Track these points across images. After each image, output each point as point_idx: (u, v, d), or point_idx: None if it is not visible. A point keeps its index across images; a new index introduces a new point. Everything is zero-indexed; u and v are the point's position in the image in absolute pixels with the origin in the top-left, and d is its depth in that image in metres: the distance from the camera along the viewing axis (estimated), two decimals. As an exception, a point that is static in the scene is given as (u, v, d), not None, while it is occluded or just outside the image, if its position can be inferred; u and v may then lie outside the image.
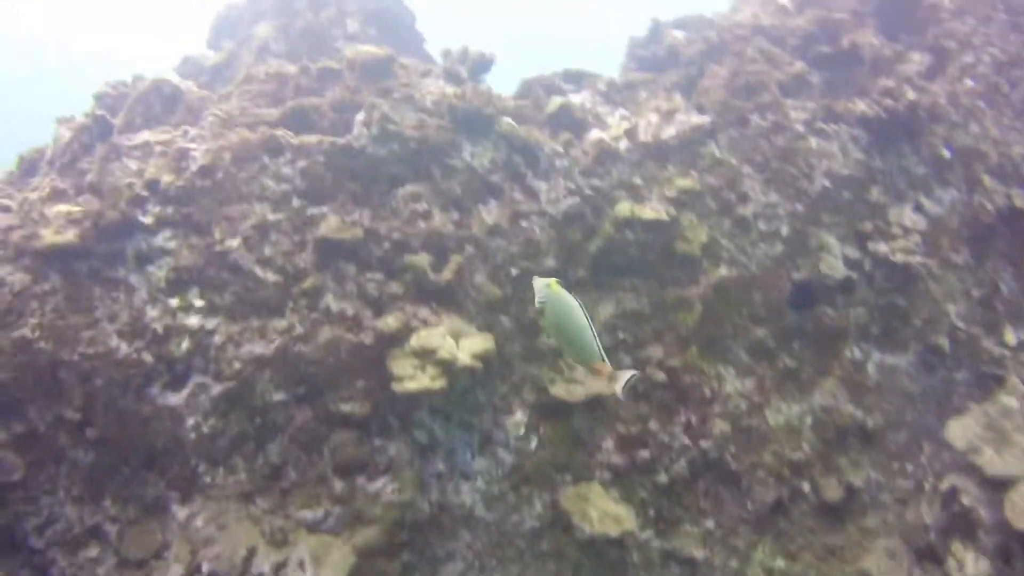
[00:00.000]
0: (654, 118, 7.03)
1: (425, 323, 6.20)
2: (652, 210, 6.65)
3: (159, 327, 6.13)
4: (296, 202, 6.37)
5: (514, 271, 6.51)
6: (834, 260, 6.97)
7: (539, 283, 3.24)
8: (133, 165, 6.45)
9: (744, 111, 7.19)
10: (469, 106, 6.54)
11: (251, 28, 9.62)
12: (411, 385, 5.92)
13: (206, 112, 6.72)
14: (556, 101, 7.08)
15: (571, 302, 3.23)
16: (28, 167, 7.31)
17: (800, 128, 7.22)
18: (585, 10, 42.60)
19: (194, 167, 6.36)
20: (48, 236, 6.12)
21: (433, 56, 9.53)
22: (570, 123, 7.09)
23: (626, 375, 3.25)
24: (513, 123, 6.65)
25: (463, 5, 41.34)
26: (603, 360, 3.20)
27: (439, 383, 5.91)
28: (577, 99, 7.32)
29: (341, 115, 7.02)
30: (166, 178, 6.34)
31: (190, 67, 9.67)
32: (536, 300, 3.24)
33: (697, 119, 7.05)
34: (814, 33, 7.79)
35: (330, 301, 6.22)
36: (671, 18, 9.33)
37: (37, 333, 6.07)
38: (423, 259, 6.25)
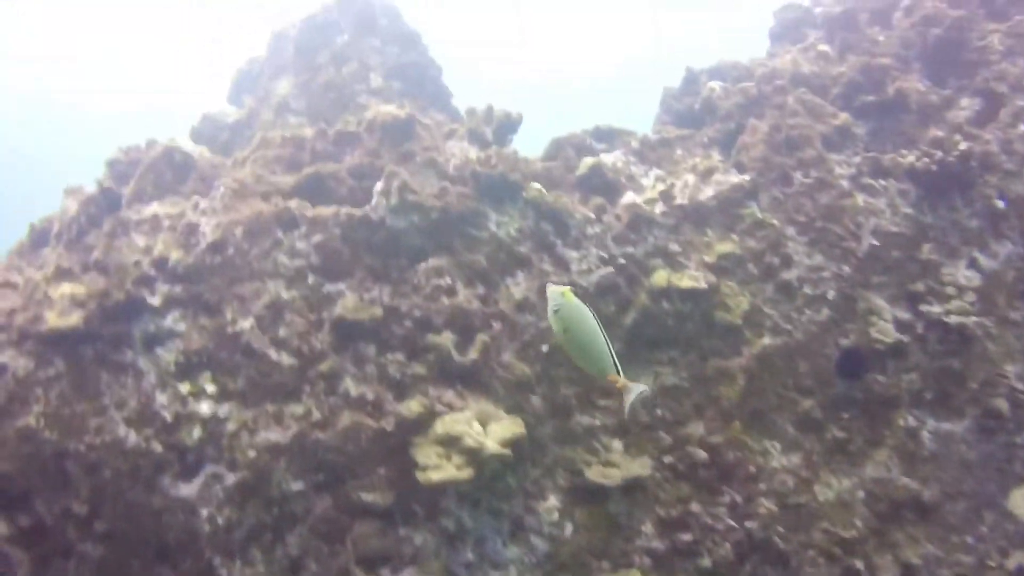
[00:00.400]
0: (691, 179, 6.62)
1: (450, 407, 5.80)
2: (690, 278, 6.23)
3: (169, 415, 5.80)
4: (311, 279, 6.03)
5: (544, 348, 6.09)
6: (884, 324, 6.51)
7: (553, 291, 3.21)
8: (141, 241, 6.15)
9: (786, 168, 6.76)
10: (494, 172, 6.18)
11: (272, 83, 9.34)
12: (436, 475, 5.54)
13: (218, 182, 6.40)
14: (587, 162, 6.70)
15: (584, 311, 3.25)
16: (38, 237, 7.04)
17: (845, 184, 6.78)
18: (618, 56, 41.67)
19: (204, 243, 6.04)
20: (51, 319, 5.83)
21: (460, 111, 9.18)
22: (602, 185, 6.70)
23: (638, 388, 3.33)
24: (541, 189, 6.27)
25: (489, 57, 40.92)
26: (617, 371, 3.19)
27: (465, 473, 5.52)
28: (609, 159, 6.93)
29: (360, 182, 6.69)
30: (175, 255, 6.03)
31: (209, 125, 9.40)
32: (550, 308, 3.20)
33: (736, 178, 6.63)
34: (858, 81, 7.35)
35: (349, 385, 5.85)
36: (706, 65, 8.93)
37: (42, 422, 5.78)
38: (447, 338, 5.87)
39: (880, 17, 8.49)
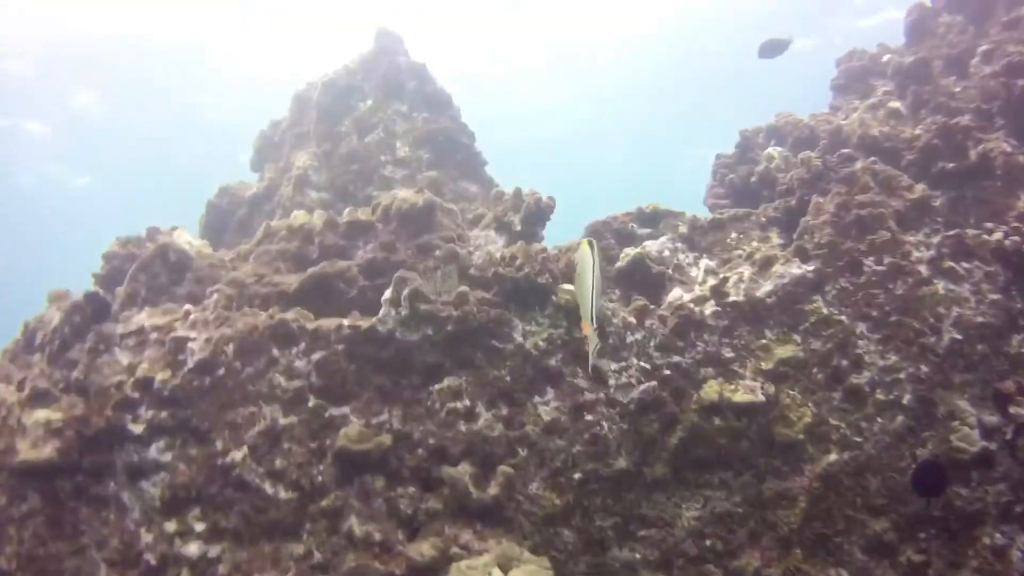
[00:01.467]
0: (747, 271, 5.77)
1: (467, 549, 5.03)
2: (745, 390, 5.39)
3: (154, 556, 5.13)
4: (312, 402, 5.32)
5: (577, 475, 5.29)
6: (968, 430, 5.59)
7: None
8: (125, 359, 5.52)
9: (856, 255, 5.87)
10: (520, 275, 5.40)
11: (293, 152, 8.73)
12: (450, 635, 4.78)
13: (211, 289, 5.75)
14: (628, 254, 5.91)
15: (587, 263, 4.11)
16: (32, 336, 6.46)
17: (924, 270, 5.86)
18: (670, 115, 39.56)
19: (192, 362, 5.37)
20: (24, 451, 5.22)
21: (495, 180, 8.46)
22: (645, 280, 5.90)
23: (595, 344, 4.03)
24: (574, 290, 5.48)
25: (527, 121, 39.53)
26: (591, 321, 3.97)
27: (483, 632, 4.74)
28: (654, 247, 6.12)
29: (373, 280, 5.99)
30: (160, 376, 5.37)
31: (227, 199, 8.83)
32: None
33: (798, 269, 5.76)
34: (935, 146, 6.43)
35: (354, 523, 5.11)
36: (761, 121, 8.08)
37: (14, 564, 5.16)
38: (464, 471, 5.11)
39: (956, 65, 7.57)
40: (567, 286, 5.53)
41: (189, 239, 6.36)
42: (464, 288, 5.41)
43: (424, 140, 8.25)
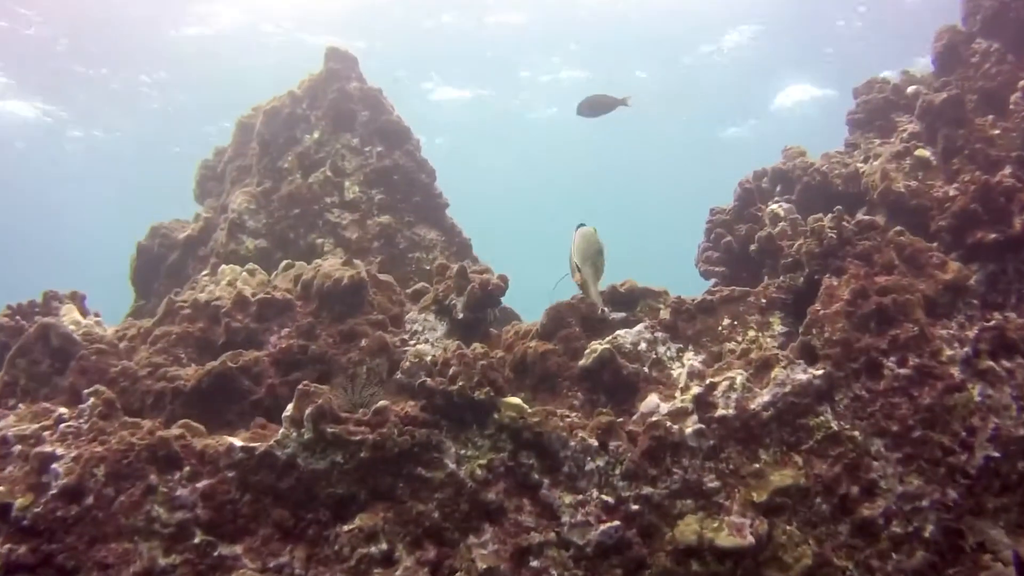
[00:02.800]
0: (739, 376, 4.70)
1: None
2: (731, 529, 4.34)
3: None
4: (199, 538, 4.31)
5: None
6: (1001, 567, 4.55)
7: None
8: (-23, 479, 4.51)
9: (875, 354, 4.79)
10: (453, 388, 4.36)
11: (234, 188, 7.70)
12: None
13: (89, 391, 4.74)
14: (595, 351, 4.85)
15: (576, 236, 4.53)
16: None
17: (956, 373, 4.79)
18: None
19: (57, 486, 4.36)
20: None
21: (456, 225, 7.40)
22: (615, 383, 4.86)
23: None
24: (521, 406, 4.45)
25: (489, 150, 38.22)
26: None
27: None
28: (628, 337, 5.06)
29: (287, 375, 4.97)
30: (20, 501, 4.37)
31: (158, 240, 7.82)
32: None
33: (803, 375, 4.69)
34: (974, 212, 5.34)
35: None
36: (768, 161, 6.98)
37: None
38: (377, 637, 4.09)
39: (993, 102, 6.46)
40: (513, 400, 4.48)
41: (77, 317, 5.35)
42: (383, 403, 4.36)
43: (377, 179, 7.21)
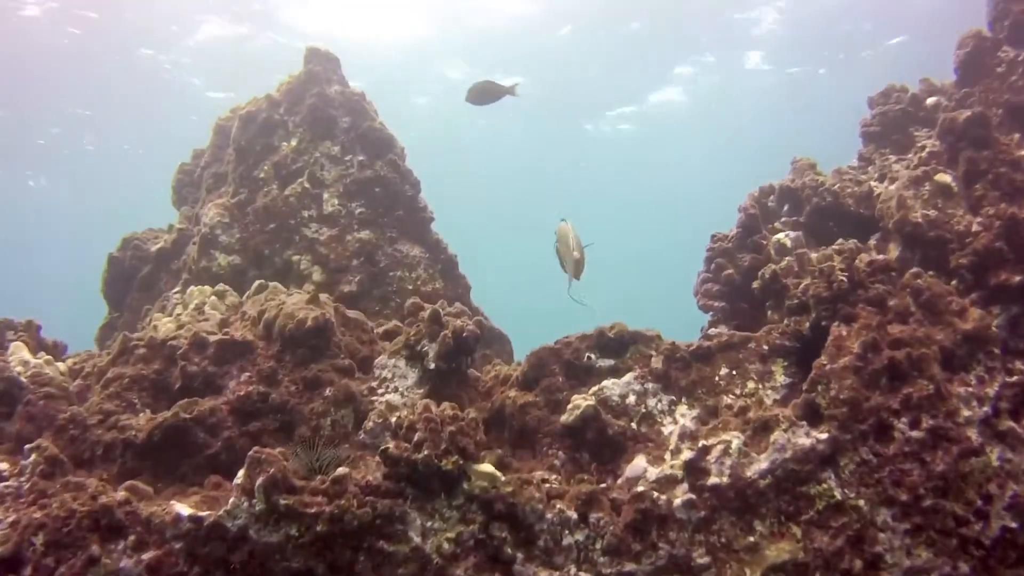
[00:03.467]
0: (735, 440, 4.30)
1: None
2: (725, 612, 3.95)
3: None
4: (141, 616, 3.94)
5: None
6: (1018, 643, 4.19)
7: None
8: (-96, 547, 4.15)
9: (885, 415, 4.37)
10: (418, 457, 3.96)
11: (208, 197, 7.28)
12: None
13: (31, 446, 4.36)
14: (578, 407, 4.44)
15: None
16: None
17: (973, 435, 4.37)
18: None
19: (-10, 556, 4.00)
20: None
21: (442, 241, 6.96)
22: (600, 442, 4.46)
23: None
24: (494, 474, 4.06)
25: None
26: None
27: None
28: (616, 389, 4.65)
29: (246, 425, 4.59)
30: (-50, 571, 4.02)
31: (130, 253, 7.42)
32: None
33: (806, 439, 4.28)
34: (998, 251, 4.88)
35: None
36: (776, 170, 6.52)
37: None
38: None
39: (1020, 116, 6.00)
40: (484, 468, 4.08)
41: (26, 357, 4.96)
42: (341, 471, 3.97)
43: (357, 190, 6.77)
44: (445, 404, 4.12)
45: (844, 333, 4.62)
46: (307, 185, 6.70)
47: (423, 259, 6.67)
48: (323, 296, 5.13)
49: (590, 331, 4.86)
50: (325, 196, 6.69)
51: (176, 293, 6.60)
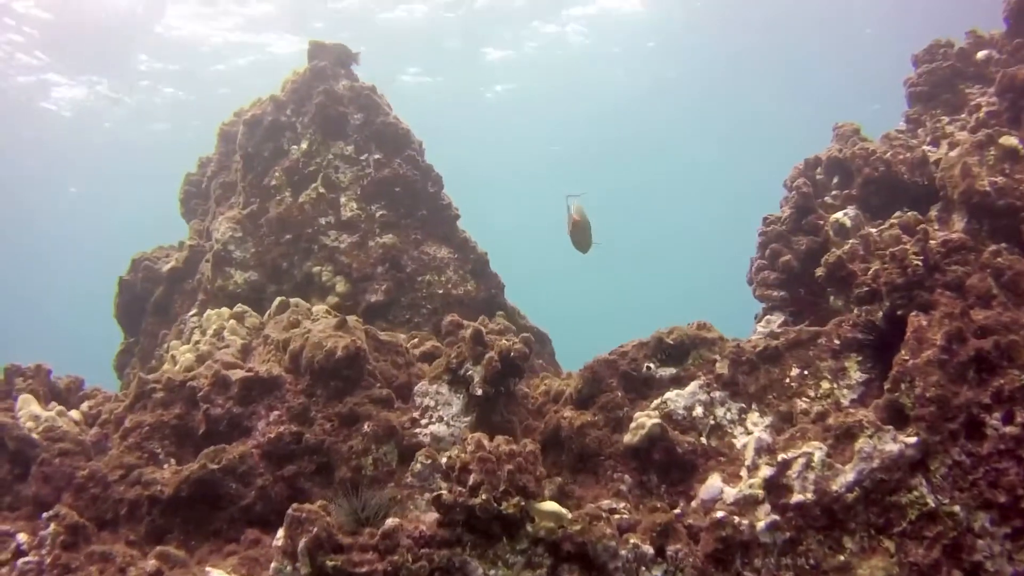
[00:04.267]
0: (817, 452, 3.91)
1: None
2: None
3: None
4: None
5: None
6: None
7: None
8: (-80, 634, 3.84)
9: (975, 410, 3.97)
10: (476, 502, 3.59)
11: (219, 209, 6.89)
12: None
13: (49, 514, 4.01)
14: (643, 426, 4.07)
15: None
16: None
17: (1078, 425, 3.97)
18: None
19: (14, 639, 3.67)
20: None
21: (470, 239, 6.54)
22: (669, 462, 4.08)
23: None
24: (559, 513, 3.68)
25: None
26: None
27: None
28: (680, 401, 4.27)
29: (281, 468, 4.23)
30: (-28, 657, 3.69)
31: (141, 275, 7.05)
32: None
33: (893, 445, 3.89)
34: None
35: None
36: (820, 139, 6.08)
37: None
38: None
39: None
40: (548, 507, 3.71)
41: (36, 411, 4.61)
42: (392, 523, 3.60)
43: (376, 191, 6.36)
44: (499, 439, 3.74)
45: (924, 323, 4.21)
46: (322, 190, 6.29)
47: (452, 260, 6.27)
48: (351, 319, 4.73)
49: (647, 338, 4.47)
50: (342, 200, 6.29)
51: (192, 316, 6.24)
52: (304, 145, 6.43)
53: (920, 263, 4.31)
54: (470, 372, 4.29)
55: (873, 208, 5.64)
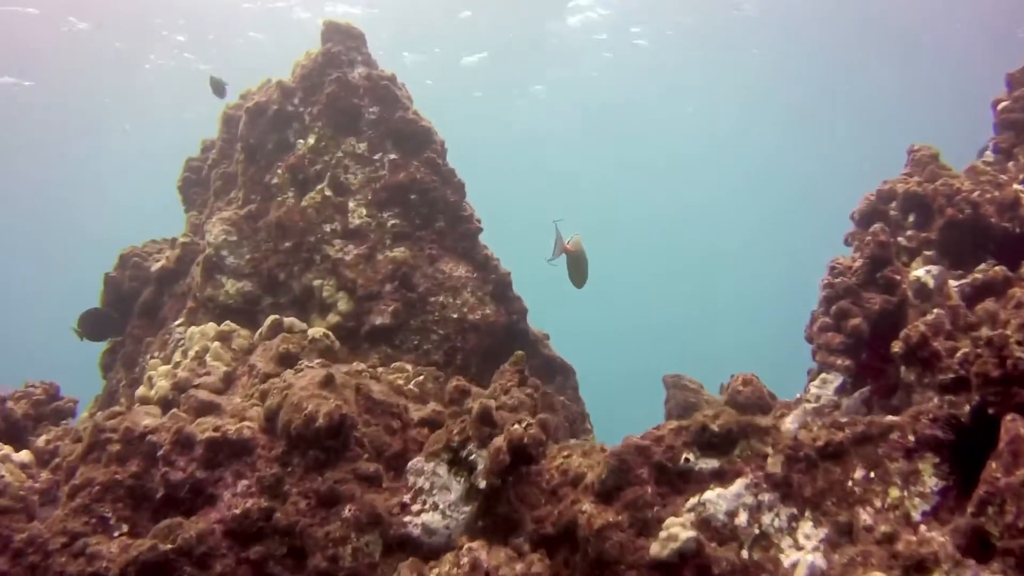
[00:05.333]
0: (884, 586, 3.22)
1: None
2: None
3: None
4: None
5: None
6: None
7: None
8: None
9: (1089, 547, 3.24)
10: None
11: (216, 203, 6.24)
12: None
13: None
14: (675, 536, 3.40)
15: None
16: None
17: None
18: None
19: None
20: None
21: (492, 257, 5.85)
22: (700, 580, 3.39)
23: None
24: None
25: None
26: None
27: None
28: (723, 505, 3.58)
29: (246, 549, 3.62)
30: None
31: (129, 272, 6.43)
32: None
33: (983, 591, 3.18)
34: None
35: None
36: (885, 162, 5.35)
37: None
38: None
39: None
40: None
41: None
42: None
43: (389, 197, 5.66)
44: (501, 556, 3.07)
45: (1020, 429, 3.46)
46: (328, 193, 5.61)
47: (470, 280, 5.58)
48: (342, 372, 4.08)
49: (687, 421, 3.77)
50: (351, 205, 5.61)
51: (179, 326, 5.63)
52: (312, 140, 5.74)
53: (1023, 355, 3.55)
54: (474, 457, 3.62)
55: (953, 255, 4.87)
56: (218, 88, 7.46)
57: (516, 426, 3.53)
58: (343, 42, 5.90)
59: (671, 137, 35.15)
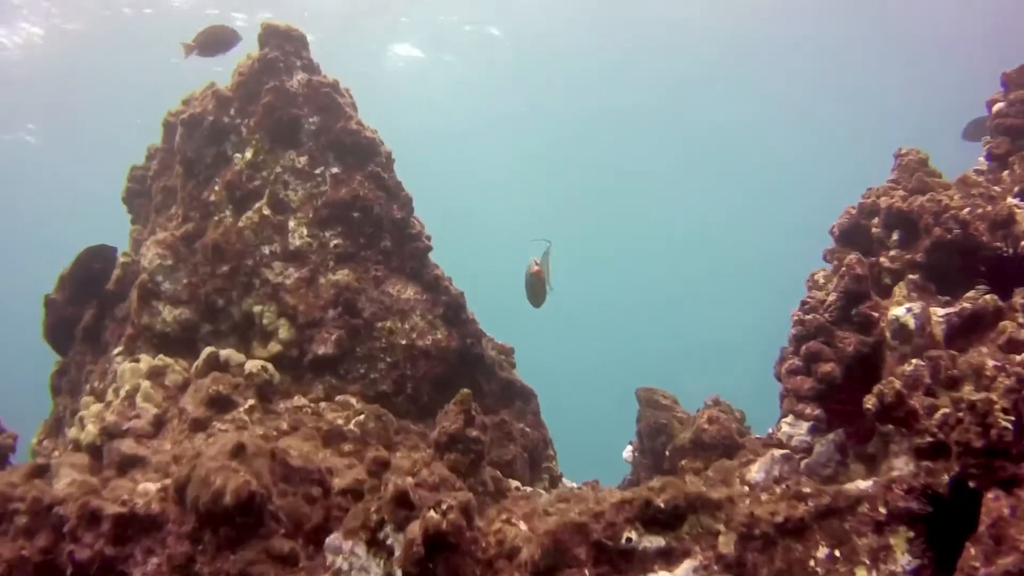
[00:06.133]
0: None
1: None
2: None
3: None
4: None
5: None
6: None
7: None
8: None
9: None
10: None
11: (156, 221, 5.85)
12: None
13: None
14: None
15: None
16: None
17: None
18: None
19: None
20: None
21: (442, 276, 5.46)
22: None
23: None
24: None
25: None
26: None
27: None
28: (666, 590, 3.23)
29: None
30: None
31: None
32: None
33: None
34: None
35: None
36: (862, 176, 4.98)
37: None
38: None
39: None
40: None
41: None
42: None
43: (331, 215, 5.27)
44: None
45: (1006, 512, 3.10)
46: (267, 211, 5.22)
47: (419, 302, 5.20)
48: (255, 438, 3.72)
49: (630, 494, 3.41)
50: (291, 224, 5.22)
51: (118, 355, 5.27)
52: (249, 154, 5.32)
53: (1009, 425, 3.17)
54: (390, 541, 3.27)
55: (940, 278, 4.48)
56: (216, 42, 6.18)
57: (433, 513, 3.18)
58: (281, 46, 5.47)
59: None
